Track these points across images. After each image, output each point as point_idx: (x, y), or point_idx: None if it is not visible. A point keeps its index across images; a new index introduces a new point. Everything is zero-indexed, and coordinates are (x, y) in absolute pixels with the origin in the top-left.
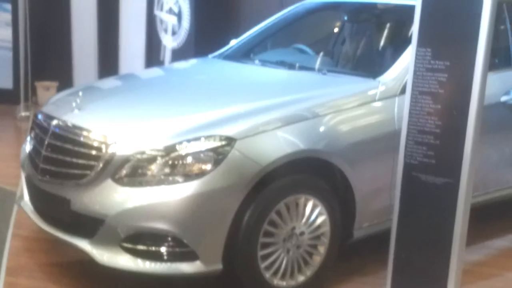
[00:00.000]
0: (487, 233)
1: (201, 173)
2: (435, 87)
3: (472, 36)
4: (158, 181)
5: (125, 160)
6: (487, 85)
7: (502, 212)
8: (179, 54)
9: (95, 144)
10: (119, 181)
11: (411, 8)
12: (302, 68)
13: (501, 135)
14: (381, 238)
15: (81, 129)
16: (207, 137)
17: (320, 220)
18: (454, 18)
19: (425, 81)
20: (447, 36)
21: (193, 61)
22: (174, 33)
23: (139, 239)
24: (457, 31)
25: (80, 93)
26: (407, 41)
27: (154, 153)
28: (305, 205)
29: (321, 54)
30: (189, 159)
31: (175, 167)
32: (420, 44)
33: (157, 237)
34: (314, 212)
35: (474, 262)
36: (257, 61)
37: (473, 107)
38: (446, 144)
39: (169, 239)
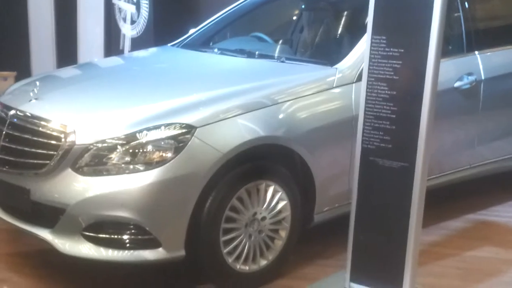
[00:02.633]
0: (442, 214)
1: (162, 161)
2: (390, 74)
3: (425, 24)
4: (119, 170)
5: (85, 149)
6: (441, 71)
7: (457, 193)
8: (138, 43)
9: (54, 133)
10: (79, 170)
11: None
12: (261, 56)
13: (455, 120)
14: (342, 221)
15: (39, 118)
16: (167, 125)
17: (281, 205)
18: (407, 6)
19: (380, 68)
20: (401, 24)
21: (152, 50)
22: (133, 21)
23: (101, 228)
24: (410, 19)
25: (38, 83)
26: (363, 29)
27: (114, 141)
28: (266, 191)
29: (280, 42)
30: (150, 147)
31: (136, 155)
32: (375, 32)
33: (119, 225)
34: (275, 198)
35: (430, 243)
36: (216, 50)
37: (427, 93)
38: (401, 129)
39: (131, 226)
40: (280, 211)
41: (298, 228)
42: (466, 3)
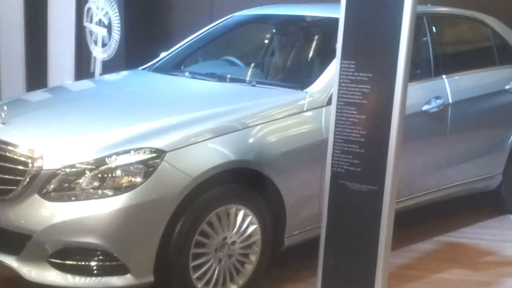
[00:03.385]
0: (411, 236)
1: (131, 186)
2: (359, 98)
3: (393, 49)
4: (87, 195)
5: (52, 174)
6: (409, 95)
7: (426, 216)
8: (109, 66)
9: (21, 159)
10: (46, 196)
11: (337, 21)
12: (232, 80)
13: (424, 142)
14: (313, 244)
15: (6, 143)
16: (137, 150)
17: (251, 229)
18: (376, 31)
19: (349, 92)
20: (370, 49)
21: (123, 73)
22: (104, 44)
23: (68, 254)
24: (379, 44)
25: (6, 107)
26: (333, 53)
27: (82, 166)
28: (236, 215)
29: (251, 66)
30: (119, 172)
31: (104, 180)
32: (344, 56)
33: (86, 252)
34: (245, 222)
35: (400, 265)
36: (187, 73)
37: (395, 117)
38: (370, 152)
39: (99, 253)
40: (250, 235)
41: (269, 252)
42: (433, 28)
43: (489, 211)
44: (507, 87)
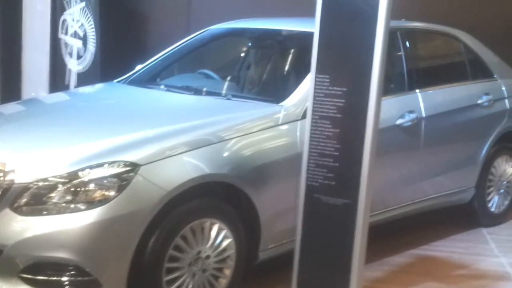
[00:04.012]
0: (386, 250)
1: (104, 200)
2: (333, 112)
3: (367, 63)
4: (59, 209)
5: (24, 188)
6: (383, 109)
7: (400, 229)
8: (85, 78)
9: None
10: (18, 210)
11: (312, 35)
12: (207, 93)
13: (397, 156)
14: (288, 258)
15: None
16: (111, 163)
17: (225, 243)
18: (350, 45)
19: (324, 106)
20: (344, 63)
21: (98, 86)
22: (79, 56)
23: (39, 269)
24: (353, 58)
25: None
26: (309, 67)
27: (55, 180)
28: (210, 229)
29: (227, 79)
30: (92, 186)
31: (77, 194)
32: (319, 71)
33: (58, 267)
34: (219, 236)
35: (374, 279)
36: (162, 86)
37: (369, 131)
38: (344, 166)
39: (71, 268)
40: (224, 249)
41: (243, 266)
42: (407, 43)
43: (462, 224)
44: (479, 101)
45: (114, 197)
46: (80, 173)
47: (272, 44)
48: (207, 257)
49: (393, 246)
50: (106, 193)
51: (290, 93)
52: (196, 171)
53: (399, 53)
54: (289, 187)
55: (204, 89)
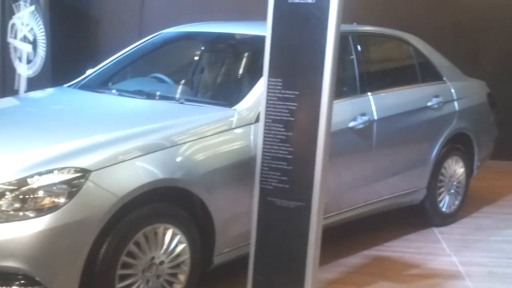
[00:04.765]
0: (340, 251)
1: (54, 207)
2: (286, 116)
3: (318, 67)
4: (8, 217)
5: None
6: (335, 112)
7: (354, 230)
8: (35, 83)
9: None
10: None
11: (265, 39)
12: (160, 97)
13: (350, 159)
14: (243, 261)
15: None
16: (61, 170)
17: (179, 248)
18: (301, 49)
19: (277, 110)
20: (296, 67)
21: (48, 91)
22: (29, 61)
23: None
24: (305, 62)
25: None
26: (262, 71)
27: (3, 187)
28: (164, 234)
29: (179, 83)
30: (41, 193)
31: (26, 201)
32: (271, 74)
33: (7, 276)
34: (173, 241)
35: (329, 280)
36: (114, 91)
37: (322, 134)
38: (298, 169)
39: (20, 277)
40: (178, 255)
41: (198, 271)
42: (359, 47)
43: (414, 224)
44: (429, 103)
45: (64, 204)
46: (29, 180)
47: (225, 48)
48: (161, 262)
49: (347, 247)
50: (56, 200)
51: (243, 97)
52: (149, 176)
53: (350, 57)
54: (243, 191)
55: (157, 93)
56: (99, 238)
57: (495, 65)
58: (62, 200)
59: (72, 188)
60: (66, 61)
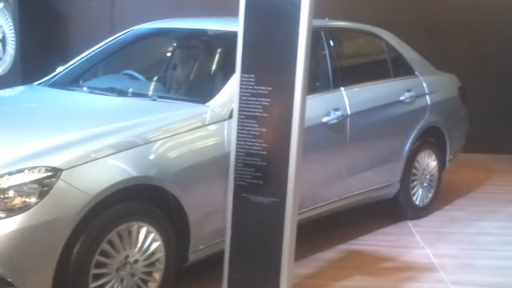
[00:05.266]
0: (316, 246)
1: (25, 207)
2: (259, 111)
3: (291, 62)
4: None
5: None
6: (309, 107)
7: (329, 225)
8: (4, 81)
9: None
10: None
11: (237, 35)
12: (132, 94)
13: (325, 153)
14: (219, 258)
15: None
16: (31, 169)
17: (154, 246)
18: (274, 45)
19: (250, 105)
20: (269, 62)
21: (18, 89)
22: None
23: None
24: (277, 57)
25: None
26: (235, 67)
27: None
28: (138, 233)
29: (152, 80)
30: (12, 193)
31: None
32: (244, 70)
33: None
34: (147, 239)
35: (304, 275)
36: (85, 88)
37: (295, 129)
38: (272, 165)
39: None
40: (153, 253)
41: (173, 268)
42: (331, 42)
43: (388, 218)
44: (401, 98)
45: (35, 203)
46: None
47: (197, 44)
48: (136, 261)
49: (322, 242)
50: (27, 199)
51: (216, 93)
52: (122, 174)
53: (323, 52)
54: (217, 188)
55: (129, 90)
56: (72, 238)
57: (465, 59)
58: (33, 199)
59: (43, 187)
60: (36, 58)
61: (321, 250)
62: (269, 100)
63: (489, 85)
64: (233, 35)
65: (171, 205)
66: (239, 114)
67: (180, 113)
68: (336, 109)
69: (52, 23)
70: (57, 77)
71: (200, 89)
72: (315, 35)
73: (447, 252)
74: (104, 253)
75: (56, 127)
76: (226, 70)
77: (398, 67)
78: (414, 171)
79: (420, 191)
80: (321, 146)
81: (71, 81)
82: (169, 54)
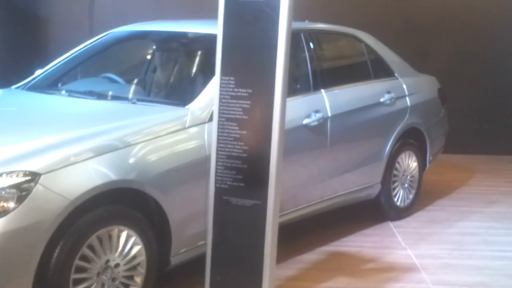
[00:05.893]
0: (298, 248)
1: (3, 212)
2: (240, 114)
3: (270, 65)
4: None
5: None
6: (289, 109)
7: (311, 227)
8: None
9: None
10: None
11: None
12: (112, 97)
13: (306, 155)
14: (201, 261)
15: None
16: (9, 173)
17: (135, 250)
18: (253, 47)
19: (230, 108)
20: (249, 65)
21: None
22: None
23: None
24: (257, 60)
25: None
26: (214, 70)
27: None
28: (118, 237)
29: (132, 83)
30: None
31: None
32: (224, 73)
33: None
34: (128, 243)
35: (287, 277)
36: (64, 92)
37: (275, 131)
38: (253, 167)
39: None
40: (134, 257)
41: (155, 272)
42: (311, 44)
43: (369, 219)
44: (381, 99)
45: (14, 208)
46: None
47: (177, 47)
48: (116, 265)
49: (305, 244)
50: (5, 204)
51: (196, 95)
52: (101, 178)
53: (303, 54)
54: (198, 190)
55: (109, 93)
56: (51, 243)
57: (445, 60)
58: (11, 204)
59: (21, 192)
60: (13, 61)
61: (303, 252)
62: (249, 102)
63: (469, 86)
64: (213, 37)
65: (152, 209)
66: (219, 117)
67: (160, 116)
68: (317, 111)
69: (31, 25)
70: (35, 80)
71: (180, 92)
72: (294, 37)
73: (429, 252)
74: (84, 258)
75: (35, 131)
76: (206, 72)
77: (378, 69)
78: (395, 172)
79: (401, 192)
80: (302, 148)
81: (50, 85)
82: (148, 57)
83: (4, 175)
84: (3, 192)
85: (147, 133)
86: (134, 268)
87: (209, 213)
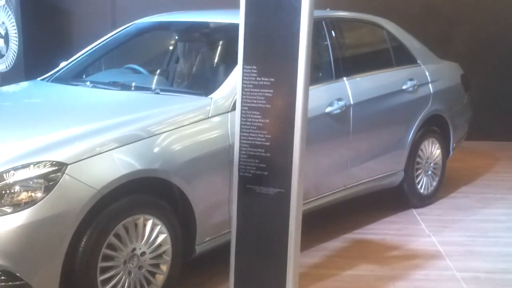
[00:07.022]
0: (321, 235)
1: (31, 202)
2: (262, 103)
3: (293, 53)
4: None
5: None
6: (312, 97)
7: (335, 215)
8: (8, 77)
9: None
10: None
11: (238, 27)
12: (135, 88)
13: (328, 144)
14: (225, 249)
15: None
16: (37, 164)
17: (160, 238)
18: (275, 36)
19: (253, 97)
20: (271, 53)
21: (22, 85)
22: (1, 55)
23: None
24: (279, 48)
25: None
26: (237, 59)
27: None
28: (144, 225)
29: (155, 73)
30: (17, 188)
31: (3, 197)
32: (246, 62)
33: None
34: (154, 232)
35: (311, 265)
36: (88, 83)
37: (298, 120)
38: (276, 156)
39: (0, 273)
40: (160, 245)
41: (180, 260)
42: (333, 32)
43: (393, 207)
44: (404, 87)
45: (42, 198)
46: (4, 175)
47: (199, 37)
48: (143, 253)
49: (328, 232)
50: (33, 194)
51: (219, 85)
52: (127, 168)
53: (325, 42)
54: (222, 179)
55: (132, 84)
56: (78, 232)
57: (467, 46)
58: (39, 194)
59: (49, 182)
60: (38, 54)
61: (327, 240)
62: (271, 91)
63: (492, 72)
64: (235, 27)
65: (177, 197)
66: (242, 106)
67: (183, 106)
68: (339, 99)
69: (54, 18)
70: (60, 72)
71: (203, 82)
72: (316, 25)
73: (453, 239)
74: (111, 246)
75: (61, 122)
76: (228, 62)
77: (400, 56)
78: (418, 159)
79: (425, 179)
80: (325, 136)
81: (74, 76)
82: (171, 48)
83: (32, 165)
84: (31, 182)
85: (170, 123)
86: (159, 256)
87: (233, 201)
